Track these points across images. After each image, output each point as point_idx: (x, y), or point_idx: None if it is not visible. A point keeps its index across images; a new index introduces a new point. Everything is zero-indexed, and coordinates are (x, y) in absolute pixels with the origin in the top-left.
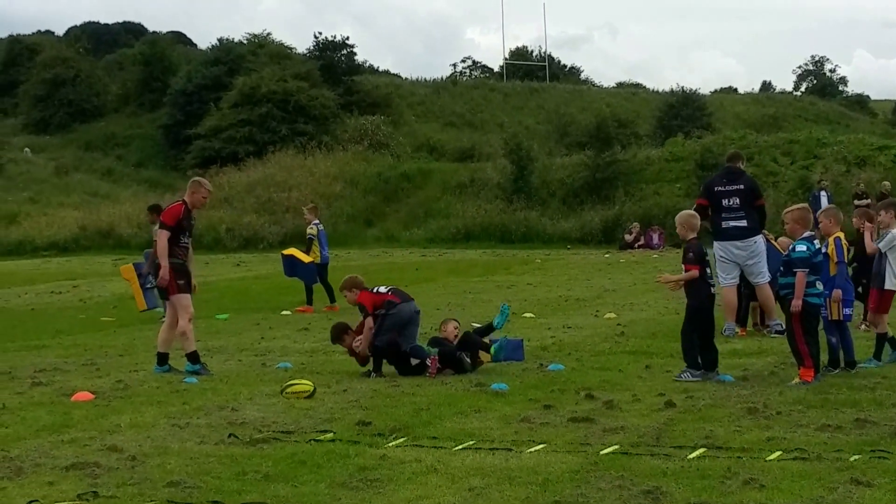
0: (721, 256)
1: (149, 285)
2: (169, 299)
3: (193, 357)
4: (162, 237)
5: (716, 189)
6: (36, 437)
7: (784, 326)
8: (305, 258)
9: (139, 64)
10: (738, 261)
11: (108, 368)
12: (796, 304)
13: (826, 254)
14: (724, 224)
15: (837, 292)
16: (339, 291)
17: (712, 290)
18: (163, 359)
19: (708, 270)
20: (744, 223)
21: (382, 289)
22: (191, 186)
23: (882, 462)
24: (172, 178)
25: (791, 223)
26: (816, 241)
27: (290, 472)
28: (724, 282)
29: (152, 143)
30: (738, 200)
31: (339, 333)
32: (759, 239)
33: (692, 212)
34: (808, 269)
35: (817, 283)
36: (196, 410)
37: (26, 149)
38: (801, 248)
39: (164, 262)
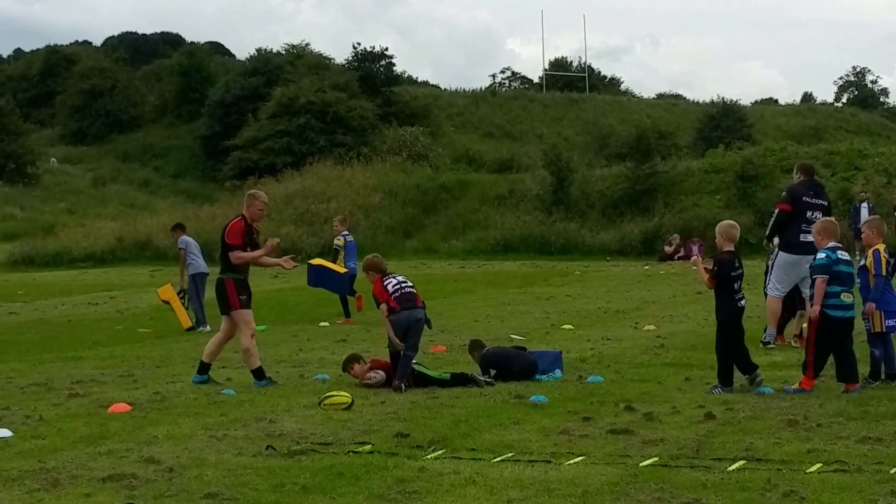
0: (787, 268)
1: (187, 304)
2: (228, 314)
3: (258, 373)
4: (236, 256)
5: (804, 199)
6: (73, 448)
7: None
8: (340, 269)
9: (177, 75)
10: (803, 275)
11: (145, 380)
12: (814, 310)
13: (866, 266)
14: (804, 238)
15: (871, 305)
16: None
17: (741, 303)
18: (204, 368)
19: (737, 286)
20: None
21: (391, 286)
22: (246, 200)
23: None
24: (210, 190)
25: (815, 234)
26: (840, 252)
27: (328, 484)
28: (775, 292)
29: (190, 153)
30: (820, 215)
31: (348, 363)
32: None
33: (733, 222)
34: (827, 276)
35: (843, 294)
36: (234, 422)
37: (53, 159)
38: (821, 256)
39: (267, 261)
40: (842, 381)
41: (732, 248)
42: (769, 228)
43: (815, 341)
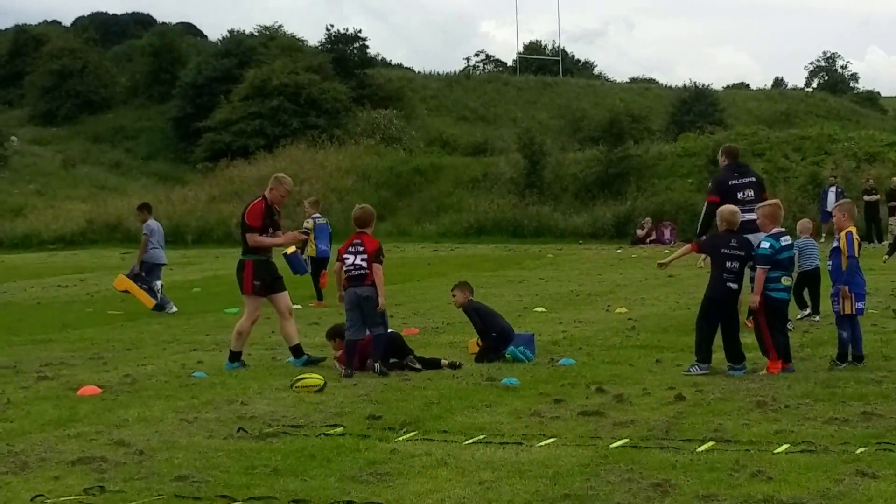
0: None
1: (145, 286)
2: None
3: (234, 356)
4: (253, 239)
5: (730, 183)
6: (41, 431)
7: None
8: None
9: (148, 55)
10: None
11: (116, 362)
12: (754, 299)
13: (838, 248)
14: (742, 217)
15: (845, 287)
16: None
17: (730, 285)
18: (297, 351)
19: (729, 265)
20: (755, 216)
21: (348, 263)
22: (271, 182)
23: (888, 454)
24: (182, 172)
25: (762, 218)
26: (784, 238)
27: (299, 466)
28: None
29: (161, 135)
30: (752, 193)
31: (332, 336)
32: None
33: (733, 207)
34: (769, 266)
35: (783, 278)
36: (205, 405)
37: (13, 138)
38: (765, 245)
39: (278, 240)
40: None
41: (729, 228)
42: (700, 222)
43: (768, 324)
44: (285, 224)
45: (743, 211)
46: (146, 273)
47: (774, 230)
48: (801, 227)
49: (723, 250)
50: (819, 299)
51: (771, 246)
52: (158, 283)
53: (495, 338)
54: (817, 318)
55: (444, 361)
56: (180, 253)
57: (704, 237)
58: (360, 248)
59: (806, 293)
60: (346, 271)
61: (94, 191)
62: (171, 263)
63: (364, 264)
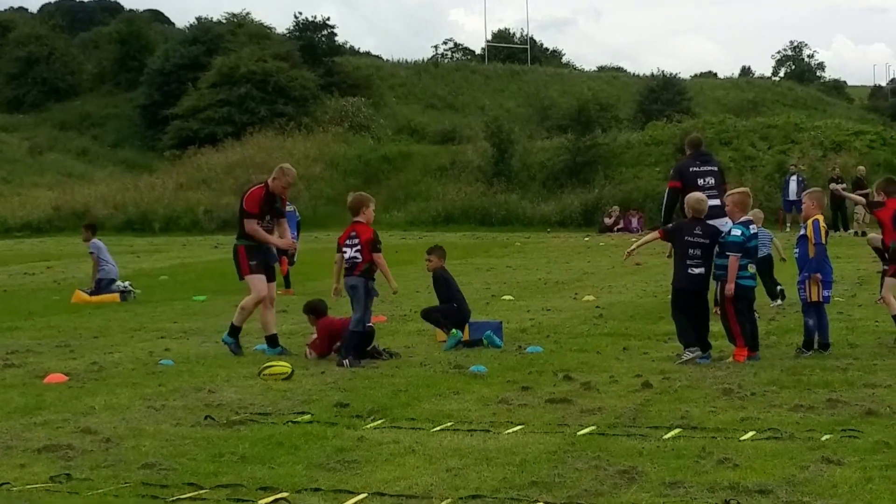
0: None
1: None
2: (243, 279)
3: (234, 331)
4: (248, 225)
5: (690, 170)
6: (7, 419)
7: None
8: None
9: (115, 42)
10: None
11: (83, 350)
12: (729, 287)
13: (805, 236)
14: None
15: (816, 275)
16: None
17: (693, 271)
18: (272, 340)
19: (691, 251)
20: (717, 202)
21: (347, 256)
22: (275, 172)
23: (853, 441)
24: (149, 159)
25: (731, 206)
26: (752, 227)
27: (267, 453)
28: None
29: (129, 123)
30: (712, 181)
31: (311, 310)
32: (729, 220)
33: (700, 195)
34: (740, 254)
35: (749, 266)
36: (172, 392)
37: None
38: (736, 232)
39: (272, 240)
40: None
41: (696, 216)
42: (663, 208)
43: (735, 311)
44: None
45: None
46: (103, 289)
47: (743, 218)
48: (753, 217)
49: (686, 237)
50: (773, 286)
51: (742, 233)
52: (121, 283)
53: (456, 309)
54: (779, 301)
55: (380, 348)
56: (147, 241)
57: (671, 224)
58: (356, 241)
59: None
60: (345, 263)
61: (60, 178)
62: (139, 251)
63: (358, 255)
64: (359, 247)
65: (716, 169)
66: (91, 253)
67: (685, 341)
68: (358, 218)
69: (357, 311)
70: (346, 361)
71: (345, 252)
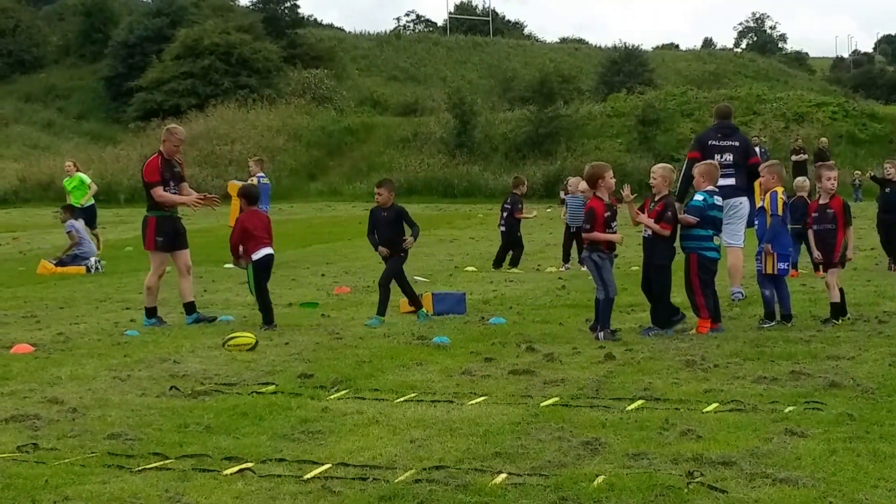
0: (725, 217)
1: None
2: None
3: (150, 312)
4: (157, 194)
5: (710, 143)
6: None
7: (744, 295)
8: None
9: (80, 14)
10: (744, 214)
11: (49, 321)
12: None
13: (763, 208)
14: (721, 181)
15: (767, 245)
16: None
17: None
18: (189, 308)
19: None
20: (732, 181)
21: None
22: (163, 136)
23: (816, 413)
24: (114, 131)
25: (697, 176)
26: (716, 197)
27: (231, 424)
28: (736, 241)
29: (93, 95)
30: (731, 157)
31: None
32: (745, 201)
33: (670, 165)
34: (698, 219)
35: (714, 238)
36: (137, 363)
37: None
38: (699, 198)
39: (180, 199)
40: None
41: (668, 192)
42: (679, 177)
43: (700, 283)
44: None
45: (723, 175)
46: (72, 261)
47: (709, 188)
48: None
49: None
50: None
51: (704, 200)
52: (93, 259)
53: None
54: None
55: None
56: (113, 212)
57: (671, 214)
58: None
59: None
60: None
61: (26, 150)
62: (104, 222)
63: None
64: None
65: (737, 144)
66: (69, 232)
67: (674, 316)
68: (595, 192)
69: (599, 284)
70: (600, 334)
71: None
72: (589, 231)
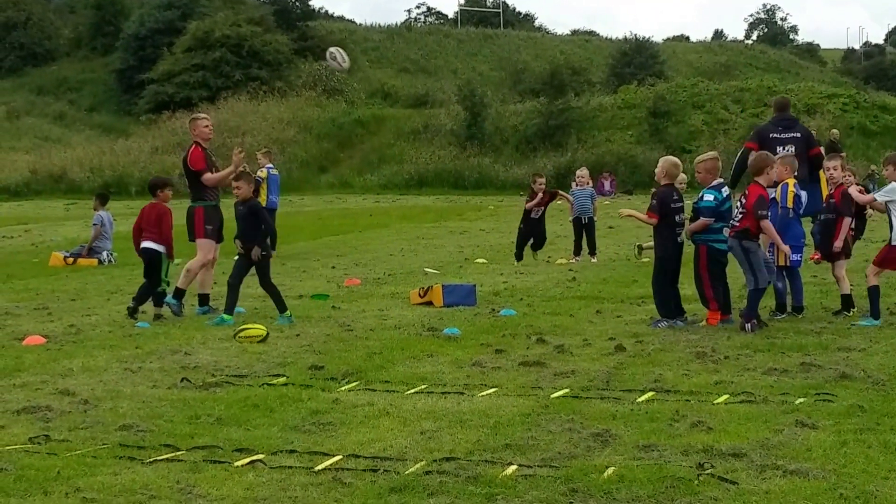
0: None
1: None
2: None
3: (179, 293)
4: (206, 179)
5: (770, 136)
6: None
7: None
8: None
9: (91, 7)
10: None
11: (60, 313)
12: (689, 228)
13: (775, 199)
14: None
15: (772, 238)
16: None
17: (679, 238)
18: (204, 299)
19: (677, 218)
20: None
21: None
22: (190, 126)
23: (826, 405)
24: (125, 123)
25: (703, 172)
26: (724, 190)
27: (242, 415)
28: None
29: (105, 87)
30: (793, 149)
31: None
32: (804, 194)
33: (677, 161)
34: (713, 218)
35: (724, 230)
36: (149, 354)
37: None
38: (709, 197)
39: (226, 173)
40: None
41: (669, 183)
42: (733, 166)
43: (709, 275)
44: None
45: None
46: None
47: (715, 182)
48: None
49: (672, 206)
50: None
51: (715, 198)
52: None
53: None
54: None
55: None
56: (124, 204)
57: (654, 202)
58: (743, 201)
59: None
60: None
61: (37, 142)
62: (115, 215)
63: (738, 217)
64: (743, 209)
65: (799, 135)
66: (95, 225)
67: (665, 312)
68: (758, 179)
69: (748, 273)
70: (748, 325)
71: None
72: (763, 218)
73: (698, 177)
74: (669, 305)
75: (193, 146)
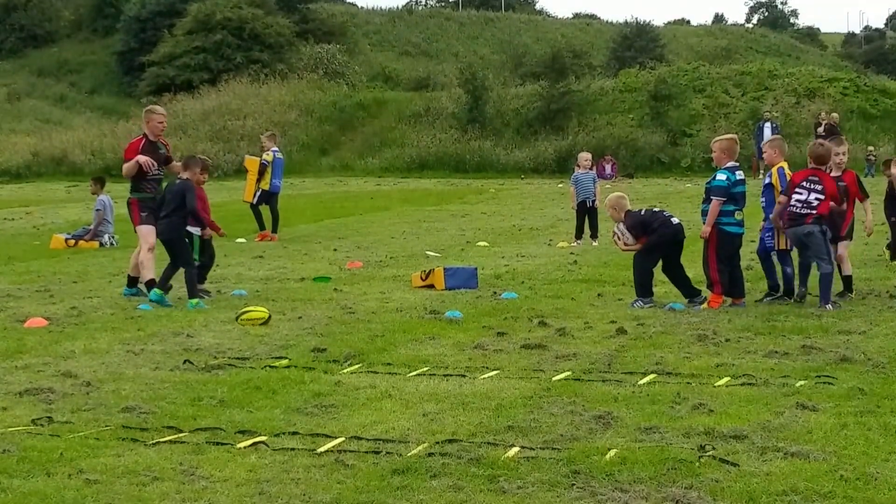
0: None
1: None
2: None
3: (150, 283)
4: (130, 168)
5: None
6: None
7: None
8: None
9: None
10: None
11: (62, 295)
12: (705, 230)
13: (770, 184)
14: None
15: (775, 217)
16: None
17: (674, 220)
18: (132, 281)
19: (666, 213)
20: None
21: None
22: (144, 116)
23: (827, 388)
24: (126, 106)
25: (718, 152)
26: (738, 172)
27: (245, 397)
28: None
29: (106, 69)
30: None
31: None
32: None
33: (622, 194)
34: (724, 199)
35: (736, 213)
36: (151, 337)
37: None
38: (721, 177)
39: (134, 160)
40: (728, 296)
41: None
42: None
43: (717, 257)
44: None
45: None
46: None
47: (729, 164)
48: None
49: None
50: None
51: (727, 178)
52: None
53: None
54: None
55: None
56: (125, 186)
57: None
58: (819, 186)
59: None
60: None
61: (38, 124)
62: (116, 197)
63: (815, 201)
64: (821, 195)
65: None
66: (97, 210)
67: (643, 291)
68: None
69: (825, 257)
70: (828, 306)
71: (798, 193)
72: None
73: (714, 157)
74: (648, 285)
75: (139, 137)
